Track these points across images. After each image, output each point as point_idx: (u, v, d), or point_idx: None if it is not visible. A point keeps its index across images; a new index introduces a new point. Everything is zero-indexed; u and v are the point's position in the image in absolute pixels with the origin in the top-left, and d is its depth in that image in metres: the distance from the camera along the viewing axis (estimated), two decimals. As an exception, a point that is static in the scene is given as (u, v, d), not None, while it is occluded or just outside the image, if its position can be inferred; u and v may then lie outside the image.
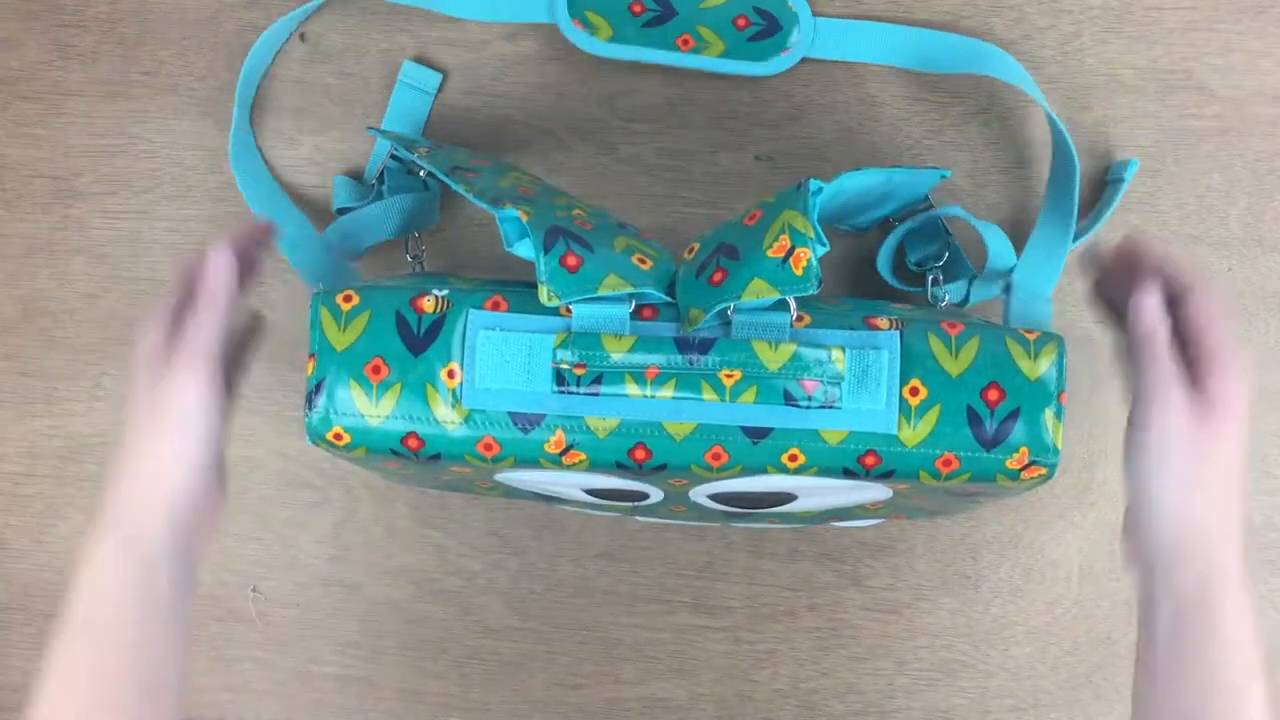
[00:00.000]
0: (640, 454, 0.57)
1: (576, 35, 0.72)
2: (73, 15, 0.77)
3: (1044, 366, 0.58)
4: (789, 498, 0.62)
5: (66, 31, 0.77)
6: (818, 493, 0.61)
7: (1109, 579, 0.73)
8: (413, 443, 0.58)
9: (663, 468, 0.58)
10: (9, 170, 0.77)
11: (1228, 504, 0.54)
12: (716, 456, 0.57)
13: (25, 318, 0.77)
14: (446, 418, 0.57)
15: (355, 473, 0.76)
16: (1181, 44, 0.73)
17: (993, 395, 0.57)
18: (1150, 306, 0.56)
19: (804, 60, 0.72)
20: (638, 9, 0.71)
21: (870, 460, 0.57)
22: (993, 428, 0.57)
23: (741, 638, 0.75)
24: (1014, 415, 0.57)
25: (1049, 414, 0.58)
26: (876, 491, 0.61)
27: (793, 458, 0.57)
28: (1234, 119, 0.73)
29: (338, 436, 0.58)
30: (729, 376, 0.56)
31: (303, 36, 0.76)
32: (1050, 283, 0.70)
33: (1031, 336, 0.59)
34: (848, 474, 0.58)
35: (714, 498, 0.63)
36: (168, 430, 0.57)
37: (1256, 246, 0.73)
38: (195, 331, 0.57)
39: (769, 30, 0.72)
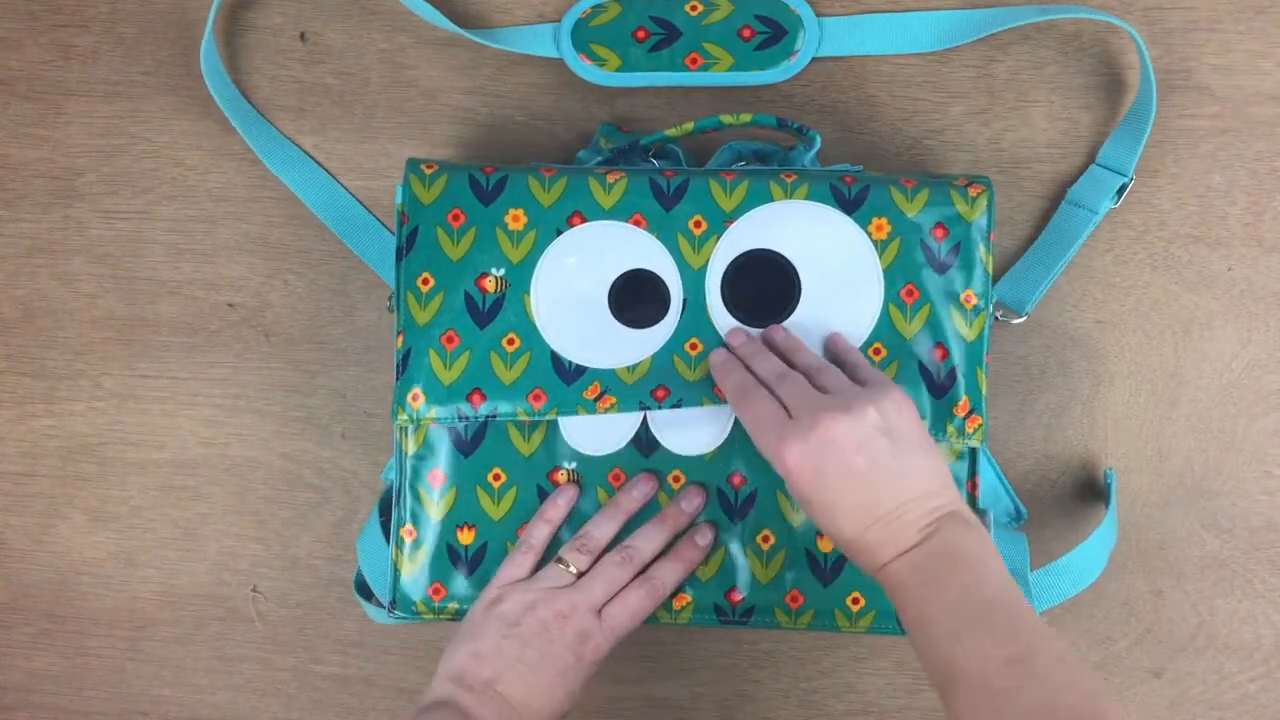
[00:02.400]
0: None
1: (585, 69, 0.72)
2: (73, 15, 0.77)
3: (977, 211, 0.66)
4: (791, 280, 0.66)
5: (66, 31, 0.77)
6: (813, 262, 0.66)
7: (1109, 579, 0.73)
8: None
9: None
10: (9, 170, 0.77)
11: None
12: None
13: (25, 318, 0.77)
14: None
15: (356, 473, 0.76)
16: (1181, 44, 0.73)
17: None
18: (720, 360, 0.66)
19: (813, 60, 0.73)
20: (641, 35, 0.72)
21: (850, 179, 0.66)
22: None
23: (742, 638, 0.75)
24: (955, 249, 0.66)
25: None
26: (863, 244, 0.65)
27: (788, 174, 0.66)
28: (1234, 119, 0.73)
29: (415, 397, 0.66)
30: None
31: (303, 36, 0.76)
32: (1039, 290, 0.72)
33: (964, 184, 0.67)
34: (835, 194, 0.66)
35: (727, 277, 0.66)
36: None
37: (1256, 246, 0.73)
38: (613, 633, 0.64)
39: (775, 37, 0.72)
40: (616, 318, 0.66)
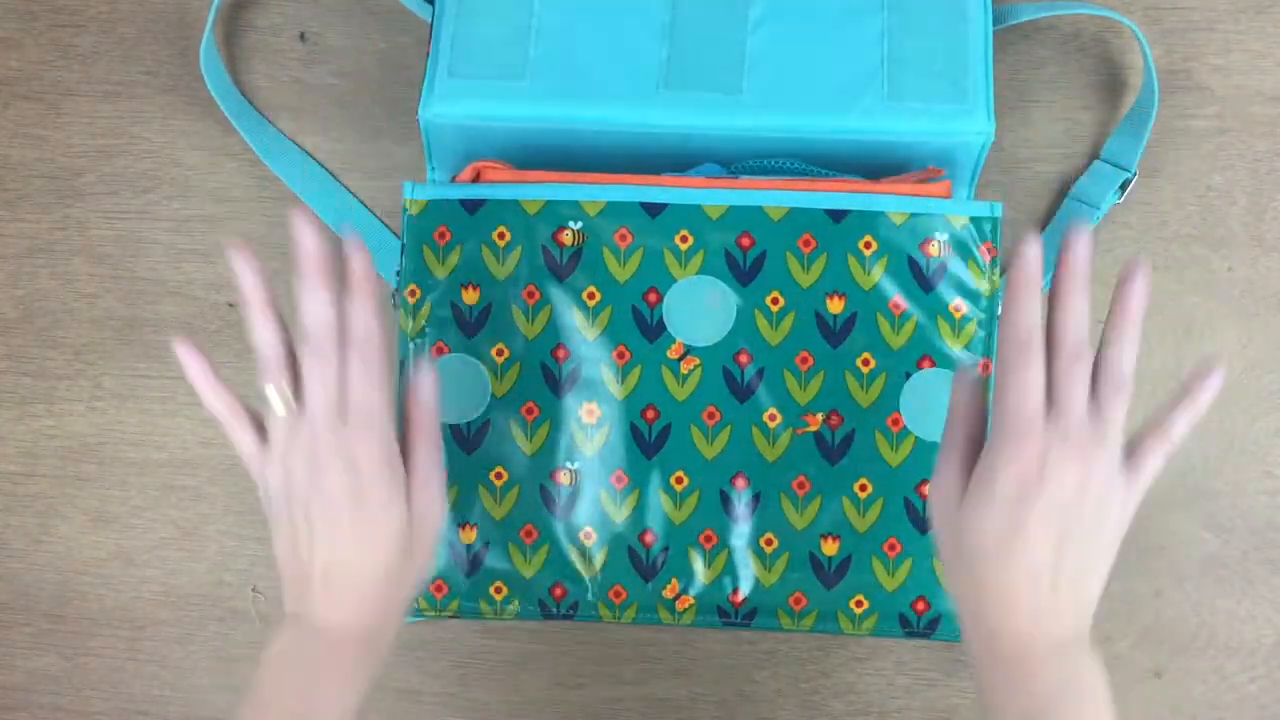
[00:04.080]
0: None
1: None
2: (73, 15, 0.77)
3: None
4: None
5: (66, 31, 0.77)
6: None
7: (1109, 579, 0.73)
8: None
9: None
10: (9, 170, 0.77)
11: (987, 585, 0.51)
12: None
13: (25, 318, 0.77)
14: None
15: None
16: (1181, 44, 0.73)
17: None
18: (962, 379, 0.56)
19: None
20: None
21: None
22: None
23: (741, 638, 0.75)
24: None
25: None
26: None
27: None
28: (1234, 119, 0.73)
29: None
30: None
31: (303, 36, 0.76)
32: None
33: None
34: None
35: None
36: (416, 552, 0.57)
37: (1256, 246, 0.73)
38: (426, 454, 0.57)
39: None
40: None
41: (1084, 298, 0.50)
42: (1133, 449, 0.51)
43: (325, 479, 0.53)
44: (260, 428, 0.56)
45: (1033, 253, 0.50)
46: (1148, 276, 0.50)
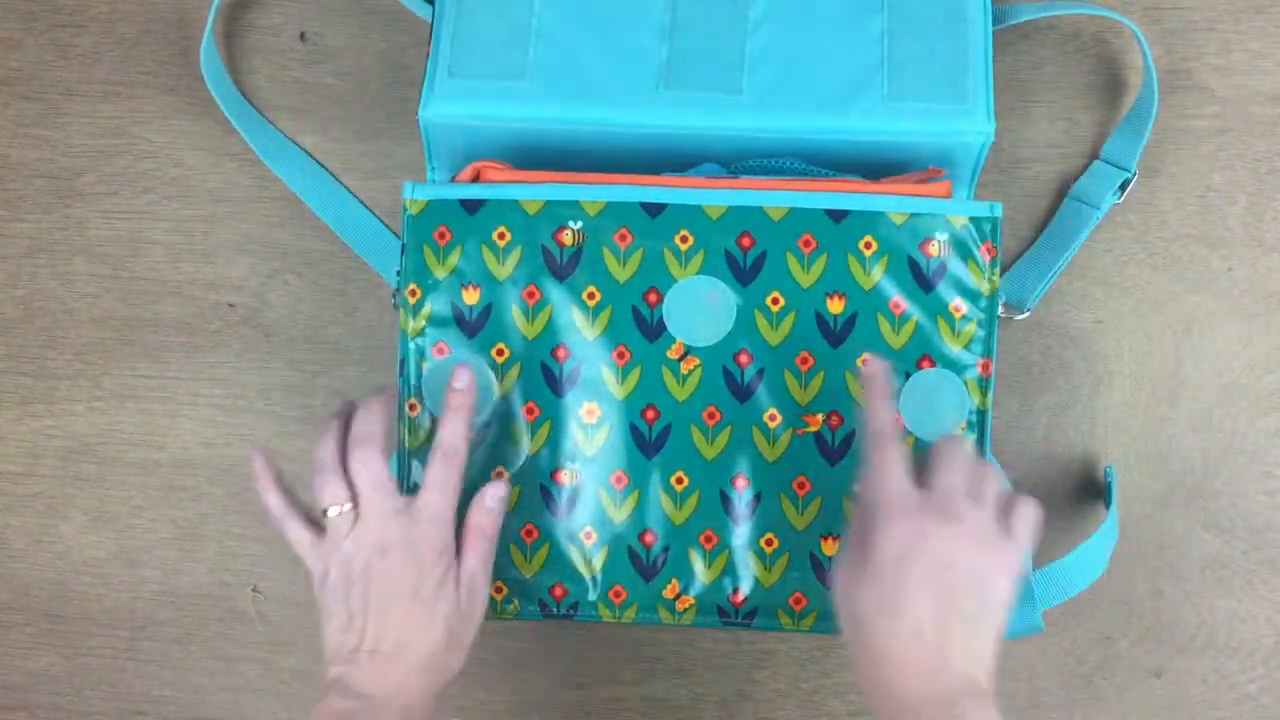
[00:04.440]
0: None
1: None
2: (73, 15, 0.77)
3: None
4: None
5: (66, 31, 0.77)
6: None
7: (1109, 579, 0.73)
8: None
9: None
10: (9, 170, 0.77)
11: (875, 648, 0.54)
12: None
13: (25, 318, 0.77)
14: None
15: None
16: (1181, 44, 0.73)
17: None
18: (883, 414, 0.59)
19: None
20: None
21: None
22: None
23: (741, 638, 0.75)
24: None
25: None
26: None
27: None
28: (1234, 119, 0.73)
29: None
30: None
31: (303, 36, 0.76)
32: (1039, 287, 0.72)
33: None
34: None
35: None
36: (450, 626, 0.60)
37: (1256, 246, 0.73)
38: (479, 561, 0.62)
39: None
40: None
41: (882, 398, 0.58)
42: (1005, 511, 0.56)
43: (389, 564, 0.59)
44: (312, 521, 0.61)
45: (878, 368, 0.59)
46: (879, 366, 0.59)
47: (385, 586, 0.59)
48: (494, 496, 0.63)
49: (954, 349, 0.66)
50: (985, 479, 0.56)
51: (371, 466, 0.60)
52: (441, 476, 0.61)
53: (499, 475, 0.67)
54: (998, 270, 0.65)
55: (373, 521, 0.59)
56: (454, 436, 0.61)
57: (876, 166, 0.67)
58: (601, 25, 0.67)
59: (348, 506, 0.60)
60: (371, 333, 0.76)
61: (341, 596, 0.59)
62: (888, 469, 0.56)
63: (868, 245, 0.65)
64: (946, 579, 0.52)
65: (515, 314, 0.66)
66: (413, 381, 0.66)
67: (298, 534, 0.61)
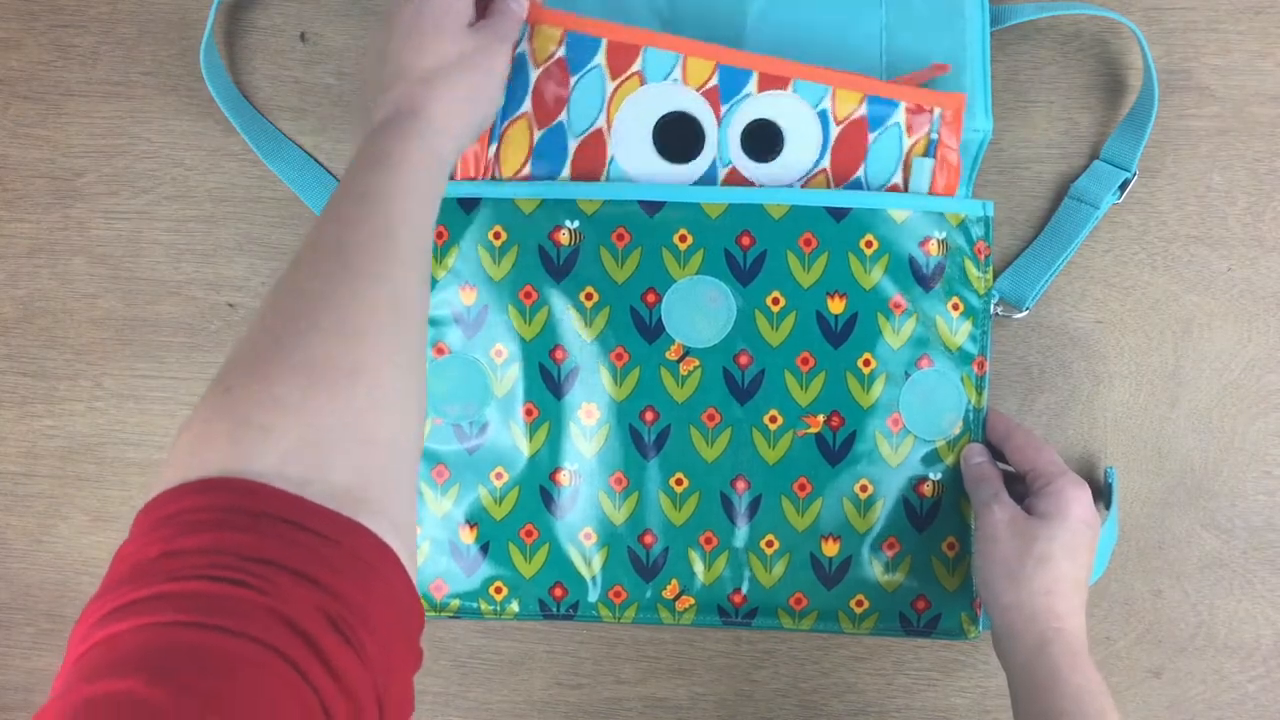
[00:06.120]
0: None
1: None
2: (73, 15, 0.77)
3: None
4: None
5: (66, 31, 0.77)
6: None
7: (1109, 579, 0.73)
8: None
9: None
10: (9, 170, 0.77)
11: (1051, 591, 0.61)
12: None
13: (25, 318, 0.77)
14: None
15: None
16: (1181, 44, 0.73)
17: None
18: (974, 452, 0.68)
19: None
20: None
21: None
22: None
23: (741, 638, 0.75)
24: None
25: None
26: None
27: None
28: (1234, 119, 0.73)
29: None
30: None
31: (303, 36, 0.76)
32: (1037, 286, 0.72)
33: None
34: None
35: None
36: (488, 74, 0.61)
37: (1256, 246, 0.73)
38: (510, 24, 0.62)
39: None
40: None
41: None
42: None
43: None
44: None
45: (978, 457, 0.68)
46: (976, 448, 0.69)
47: (403, 26, 0.60)
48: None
49: (951, 347, 0.66)
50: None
51: None
52: None
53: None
54: (991, 268, 0.65)
55: None
56: None
57: None
58: (603, 14, 0.67)
59: None
60: (371, 333, 0.76)
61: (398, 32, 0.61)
62: (1049, 450, 0.67)
63: (868, 244, 0.65)
64: (1093, 548, 0.65)
65: (513, 315, 0.66)
66: None
67: None
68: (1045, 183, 0.74)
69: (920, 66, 0.66)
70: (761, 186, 0.65)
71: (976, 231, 0.65)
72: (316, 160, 0.76)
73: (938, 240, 0.65)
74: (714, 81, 0.64)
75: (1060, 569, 0.62)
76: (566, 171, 0.65)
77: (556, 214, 0.65)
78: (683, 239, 0.65)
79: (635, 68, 0.65)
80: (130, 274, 0.77)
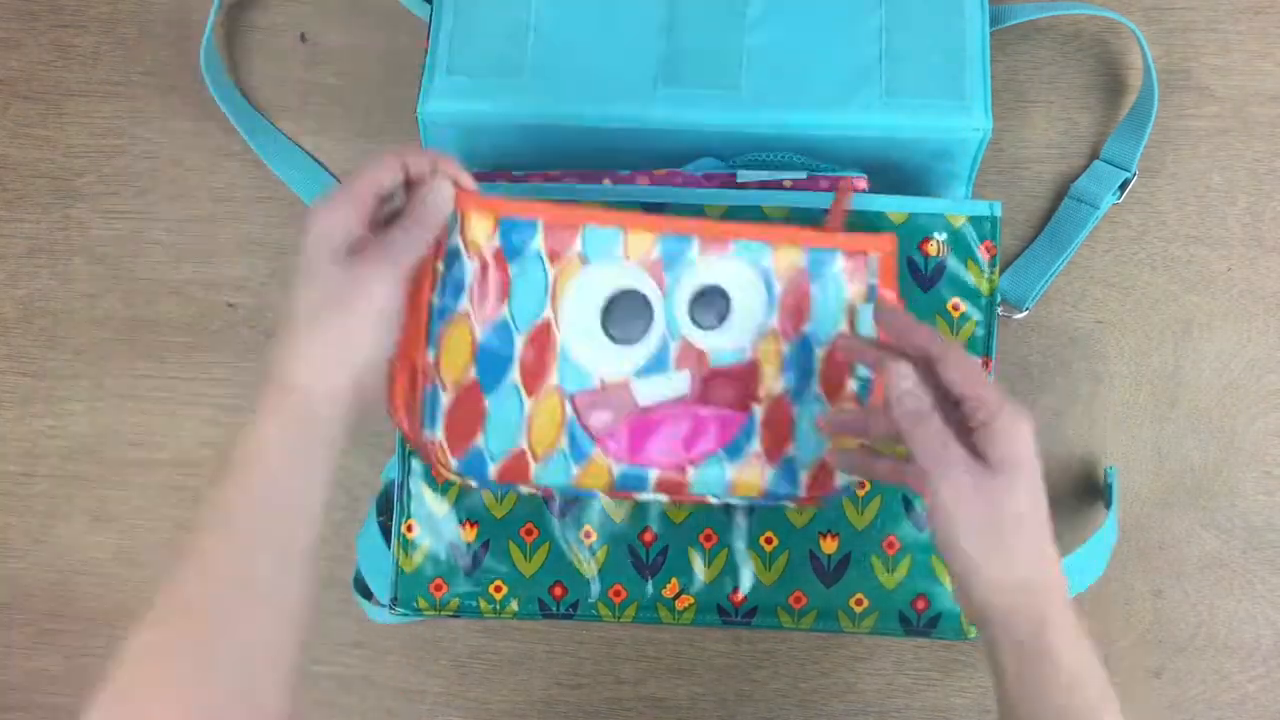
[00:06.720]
0: None
1: None
2: (73, 15, 0.77)
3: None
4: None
5: (66, 31, 0.77)
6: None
7: (1109, 579, 0.73)
8: None
9: None
10: (9, 170, 0.77)
11: (1032, 556, 0.54)
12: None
13: (25, 318, 0.77)
14: None
15: (356, 473, 0.76)
16: (1181, 44, 0.73)
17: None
18: (908, 387, 0.55)
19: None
20: None
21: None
22: None
23: (741, 637, 0.75)
24: None
25: None
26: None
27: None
28: (1234, 119, 0.73)
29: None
30: None
31: (303, 36, 0.76)
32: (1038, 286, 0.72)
33: None
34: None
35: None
36: (360, 316, 0.55)
37: (1256, 246, 0.73)
38: (405, 243, 0.56)
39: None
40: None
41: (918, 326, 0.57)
42: None
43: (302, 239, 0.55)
44: None
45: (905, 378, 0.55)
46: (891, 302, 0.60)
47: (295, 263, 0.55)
48: (445, 189, 0.58)
49: None
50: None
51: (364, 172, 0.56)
52: (377, 158, 0.56)
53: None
54: (997, 269, 0.65)
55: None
56: (417, 161, 0.57)
57: (874, 162, 0.67)
58: (600, 21, 0.67)
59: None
60: (371, 333, 0.76)
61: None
62: (980, 378, 0.54)
63: None
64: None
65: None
66: None
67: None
68: (1045, 183, 0.74)
69: (920, 66, 0.66)
70: (715, 353, 0.63)
71: (983, 232, 0.65)
72: (317, 160, 0.76)
73: (938, 241, 0.65)
74: (656, 253, 0.62)
75: (1035, 525, 0.53)
76: (515, 372, 0.61)
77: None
78: None
79: (575, 248, 0.61)
80: (130, 274, 0.77)
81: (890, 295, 0.62)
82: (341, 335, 0.54)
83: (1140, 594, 0.74)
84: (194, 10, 0.77)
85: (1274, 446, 0.73)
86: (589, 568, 0.67)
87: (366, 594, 0.70)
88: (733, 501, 0.63)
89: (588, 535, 0.67)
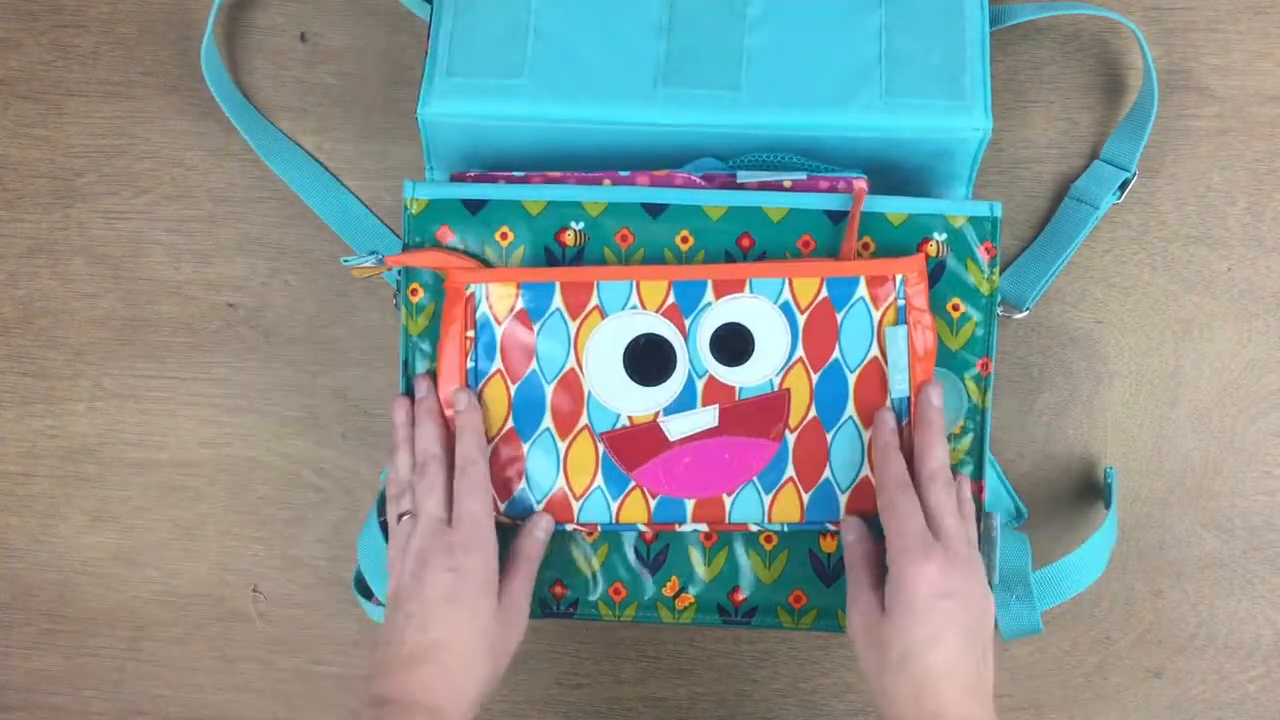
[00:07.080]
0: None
1: None
2: (73, 15, 0.77)
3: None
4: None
5: (66, 31, 0.77)
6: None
7: (1109, 579, 0.73)
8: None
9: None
10: (9, 170, 0.77)
11: (920, 692, 0.57)
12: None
13: (25, 318, 0.77)
14: None
15: (356, 473, 0.76)
16: (1181, 44, 0.73)
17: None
18: (849, 527, 0.64)
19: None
20: None
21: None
22: None
23: (741, 637, 0.75)
24: None
25: None
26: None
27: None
28: (1234, 119, 0.73)
29: None
30: None
31: (303, 36, 0.76)
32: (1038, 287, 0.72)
33: None
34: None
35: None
36: (509, 657, 0.63)
37: (1256, 246, 0.73)
38: (522, 579, 0.64)
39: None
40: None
41: (940, 438, 0.62)
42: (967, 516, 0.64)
43: (429, 576, 0.60)
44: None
45: (885, 420, 0.64)
46: (939, 391, 0.64)
47: (423, 601, 0.60)
48: (544, 529, 0.66)
49: (952, 348, 0.66)
50: (971, 521, 0.64)
51: (435, 489, 0.63)
52: (469, 486, 0.63)
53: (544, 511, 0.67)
54: (997, 269, 0.65)
55: (422, 535, 0.62)
56: (469, 449, 0.64)
57: (874, 163, 0.67)
58: (599, 22, 0.67)
59: (404, 512, 0.64)
60: (371, 333, 0.76)
61: (395, 606, 0.61)
62: (909, 513, 0.60)
63: (865, 246, 0.65)
64: (967, 618, 0.58)
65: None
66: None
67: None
68: (1045, 183, 0.74)
69: (920, 66, 0.66)
70: (742, 387, 0.65)
71: (983, 232, 0.65)
72: (317, 160, 0.76)
73: (937, 241, 0.65)
74: (671, 299, 0.64)
75: (925, 664, 0.56)
76: (548, 418, 0.65)
77: (562, 215, 0.65)
78: (684, 240, 0.65)
79: (592, 303, 0.65)
80: (130, 274, 0.77)
81: (927, 327, 0.64)
82: (494, 674, 0.61)
83: (1140, 594, 0.74)
84: (194, 10, 0.76)
85: (1274, 446, 0.73)
86: (589, 566, 0.67)
87: (367, 594, 0.70)
88: (772, 529, 0.66)
89: (589, 533, 0.67)
